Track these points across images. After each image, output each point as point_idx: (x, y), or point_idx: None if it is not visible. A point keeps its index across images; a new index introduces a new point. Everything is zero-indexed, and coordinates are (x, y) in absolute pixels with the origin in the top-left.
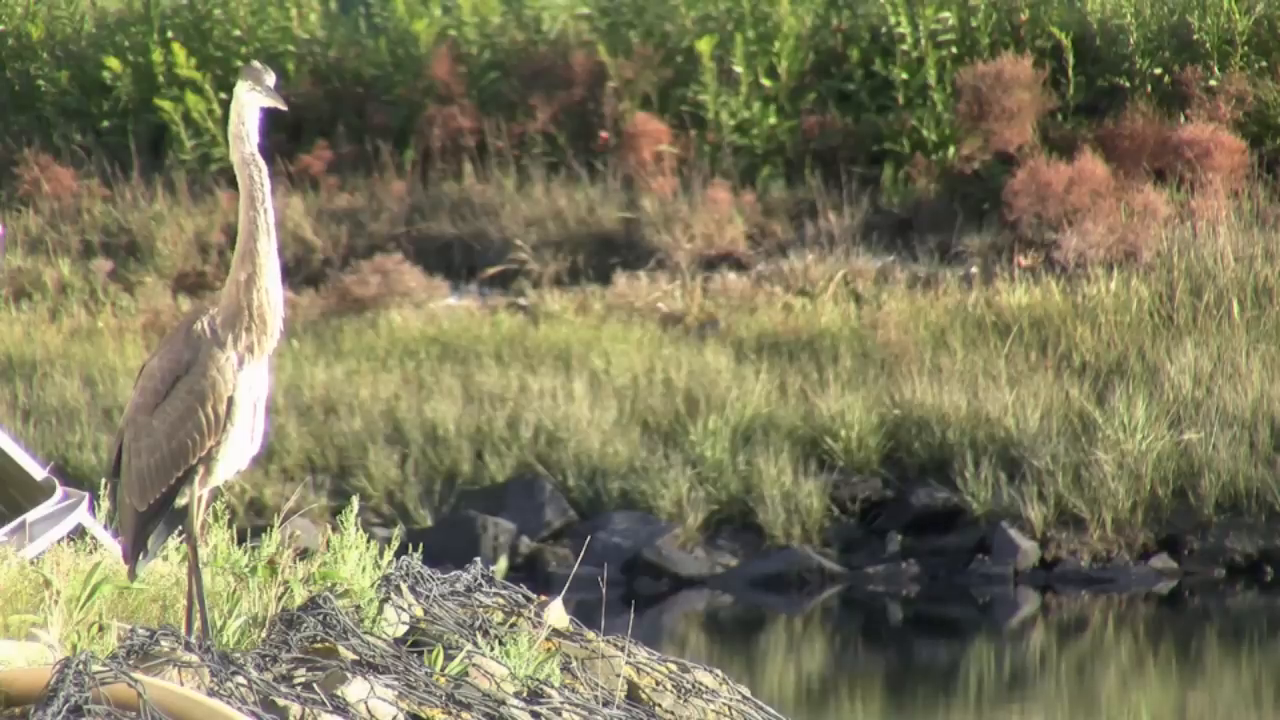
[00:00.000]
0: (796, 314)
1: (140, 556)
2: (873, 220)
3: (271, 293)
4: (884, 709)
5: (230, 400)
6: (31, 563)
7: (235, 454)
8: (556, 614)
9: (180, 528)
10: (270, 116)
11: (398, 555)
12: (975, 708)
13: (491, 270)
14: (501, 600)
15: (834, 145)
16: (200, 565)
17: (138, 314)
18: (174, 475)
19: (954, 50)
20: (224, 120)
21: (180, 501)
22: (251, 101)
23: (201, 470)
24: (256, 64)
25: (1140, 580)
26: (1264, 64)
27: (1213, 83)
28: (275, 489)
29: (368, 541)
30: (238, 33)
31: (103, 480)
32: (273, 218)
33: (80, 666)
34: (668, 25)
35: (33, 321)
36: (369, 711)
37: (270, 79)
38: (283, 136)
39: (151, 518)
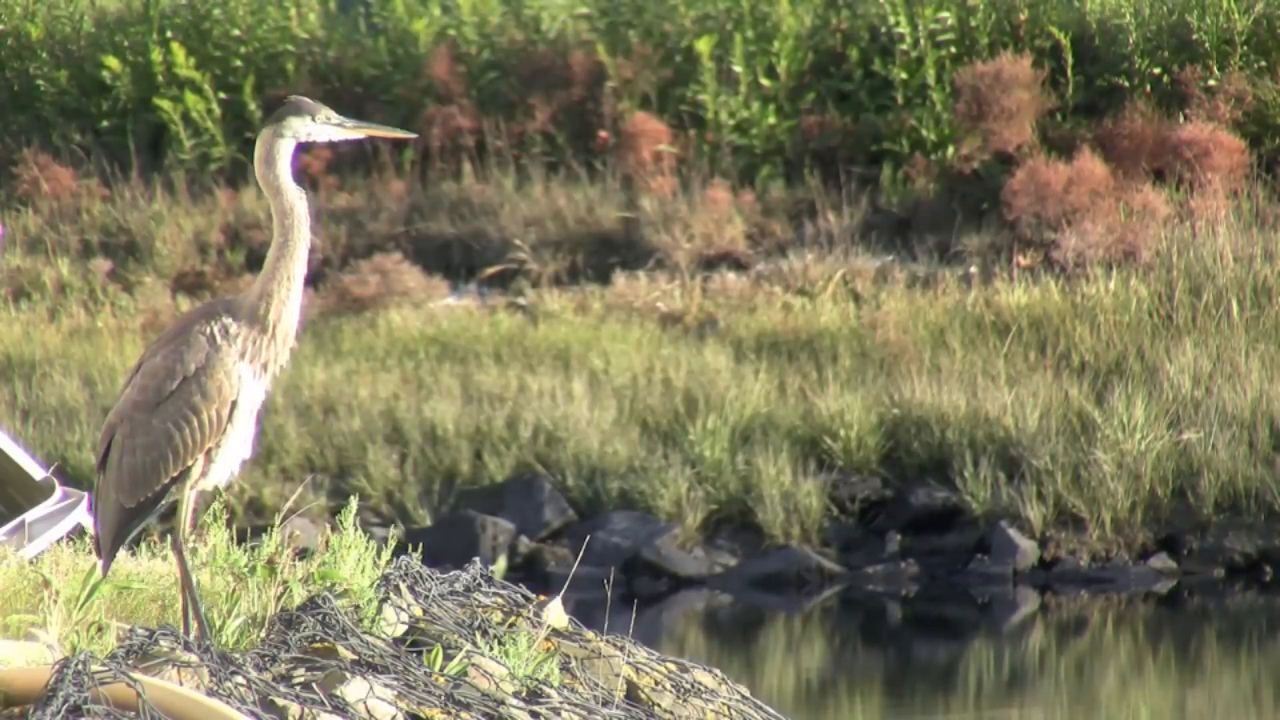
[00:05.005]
0: (796, 314)
1: (116, 551)
2: (872, 220)
3: (294, 316)
4: (883, 709)
5: (234, 405)
6: (31, 562)
7: (231, 458)
8: (555, 614)
9: (167, 524)
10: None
11: (397, 555)
12: (974, 708)
13: (491, 270)
14: (500, 600)
15: (833, 145)
16: (190, 569)
17: (137, 314)
18: (168, 475)
19: (953, 50)
20: (223, 118)
21: (167, 501)
22: (300, 138)
23: (195, 472)
24: (297, 98)
25: (1139, 580)
26: (1263, 64)
27: (1212, 82)
28: (274, 489)
29: (367, 541)
30: (237, 32)
31: None
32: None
33: (79, 666)
34: (667, 25)
35: (32, 321)
36: (368, 711)
37: (327, 111)
38: None
39: (136, 514)
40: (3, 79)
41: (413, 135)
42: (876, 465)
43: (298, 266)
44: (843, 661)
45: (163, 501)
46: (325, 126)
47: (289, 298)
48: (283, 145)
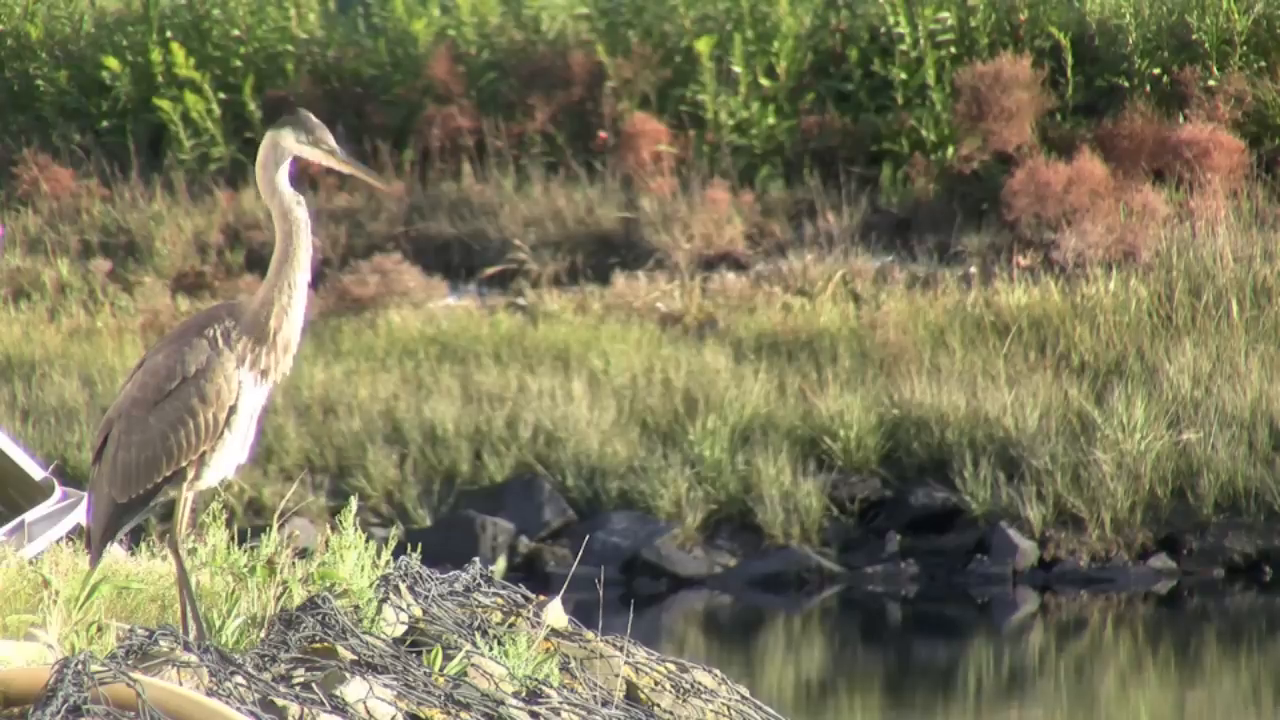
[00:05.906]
0: (795, 314)
1: (106, 546)
2: (871, 220)
3: (296, 324)
4: (883, 709)
5: (232, 409)
6: (30, 563)
7: (226, 461)
8: (555, 614)
9: (166, 524)
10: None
11: (396, 555)
12: (974, 708)
13: (490, 270)
14: (500, 600)
15: (833, 145)
16: (185, 570)
17: (136, 314)
18: (161, 474)
19: (953, 50)
20: (222, 118)
21: (160, 499)
22: (289, 151)
23: (189, 473)
24: (304, 113)
25: (1139, 580)
26: (1263, 64)
27: (1211, 83)
28: (274, 489)
29: (366, 541)
30: (236, 32)
31: None
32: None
33: (79, 666)
34: (666, 25)
35: (31, 321)
36: (368, 711)
37: (329, 136)
38: None
39: (127, 510)
40: (3, 79)
41: (389, 187)
42: (876, 465)
43: (300, 274)
44: (843, 661)
45: (155, 500)
46: (315, 150)
47: (291, 305)
48: (282, 152)
